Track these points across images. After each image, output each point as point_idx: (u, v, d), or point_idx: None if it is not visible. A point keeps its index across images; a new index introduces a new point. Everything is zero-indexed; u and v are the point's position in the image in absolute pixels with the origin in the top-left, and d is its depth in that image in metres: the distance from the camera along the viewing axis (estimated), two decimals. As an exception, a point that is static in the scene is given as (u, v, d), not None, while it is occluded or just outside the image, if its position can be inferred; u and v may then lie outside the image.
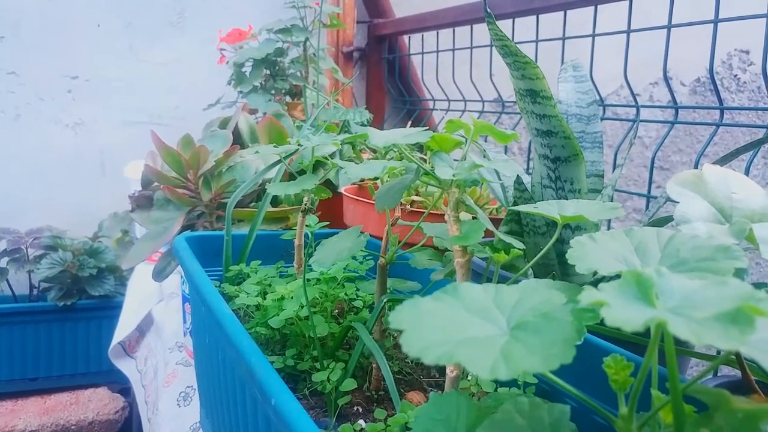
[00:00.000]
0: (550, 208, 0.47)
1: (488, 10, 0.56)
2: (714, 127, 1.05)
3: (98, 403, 1.52)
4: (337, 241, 0.56)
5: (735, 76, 2.82)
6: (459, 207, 0.45)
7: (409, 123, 1.35)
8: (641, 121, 1.17)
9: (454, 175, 0.42)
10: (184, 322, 0.94)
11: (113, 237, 1.66)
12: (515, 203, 0.70)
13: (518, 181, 0.67)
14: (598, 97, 0.81)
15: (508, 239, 0.44)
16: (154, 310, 1.26)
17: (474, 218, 0.57)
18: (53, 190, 1.74)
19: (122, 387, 1.62)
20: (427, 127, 0.50)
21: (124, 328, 1.31)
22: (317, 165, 0.94)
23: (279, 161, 0.73)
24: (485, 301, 0.32)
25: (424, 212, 0.85)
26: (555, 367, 0.25)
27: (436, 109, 1.70)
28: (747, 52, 2.78)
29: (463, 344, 0.27)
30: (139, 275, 1.36)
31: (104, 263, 1.58)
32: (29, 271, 1.58)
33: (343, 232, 0.58)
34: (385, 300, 0.54)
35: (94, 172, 1.76)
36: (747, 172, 0.95)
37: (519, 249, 0.44)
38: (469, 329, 0.29)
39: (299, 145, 0.65)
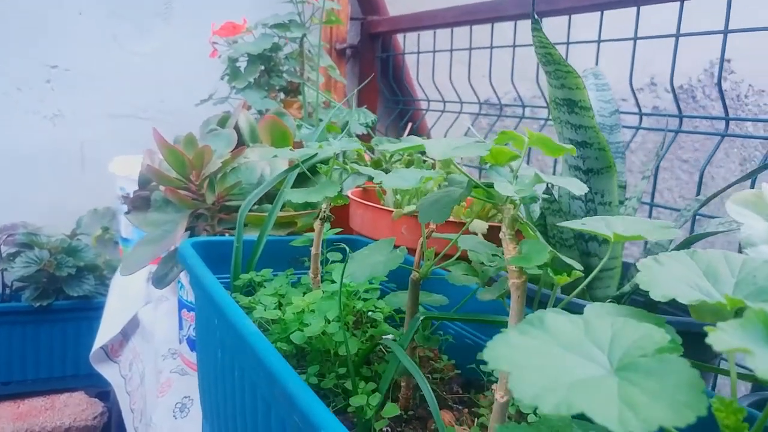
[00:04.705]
0: (599, 225, 0.45)
1: (536, 17, 0.54)
2: (717, 136, 1.05)
3: (75, 408, 1.46)
4: (369, 255, 0.53)
5: (716, 84, 2.86)
6: (515, 224, 0.42)
7: (408, 128, 1.32)
8: (647, 129, 1.16)
9: (517, 192, 0.39)
10: (181, 328, 0.90)
11: (93, 234, 1.60)
12: (542, 214, 0.67)
13: (547, 191, 0.65)
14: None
15: (568, 260, 0.41)
16: (141, 313, 1.21)
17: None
18: (29, 184, 1.66)
19: (100, 391, 1.56)
20: (423, 132, 0.47)
21: (107, 331, 1.26)
22: (315, 168, 0.91)
23: (296, 165, 0.69)
24: (577, 335, 0.29)
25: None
26: (691, 420, 0.22)
27: (431, 110, 1.67)
28: (728, 61, 2.82)
29: (575, 389, 0.24)
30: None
31: (83, 262, 1.52)
32: (2, 270, 1.51)
33: (373, 245, 0.55)
34: (421, 318, 0.51)
35: (74, 166, 1.69)
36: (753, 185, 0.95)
37: (579, 270, 0.42)
38: (573, 370, 0.26)
39: (320, 148, 0.62)
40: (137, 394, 1.10)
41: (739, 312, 0.32)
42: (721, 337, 0.24)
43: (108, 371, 1.27)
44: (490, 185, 0.44)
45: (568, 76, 0.56)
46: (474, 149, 0.41)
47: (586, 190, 0.41)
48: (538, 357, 0.27)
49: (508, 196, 0.42)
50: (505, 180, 0.41)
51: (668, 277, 0.37)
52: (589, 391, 0.25)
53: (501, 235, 0.42)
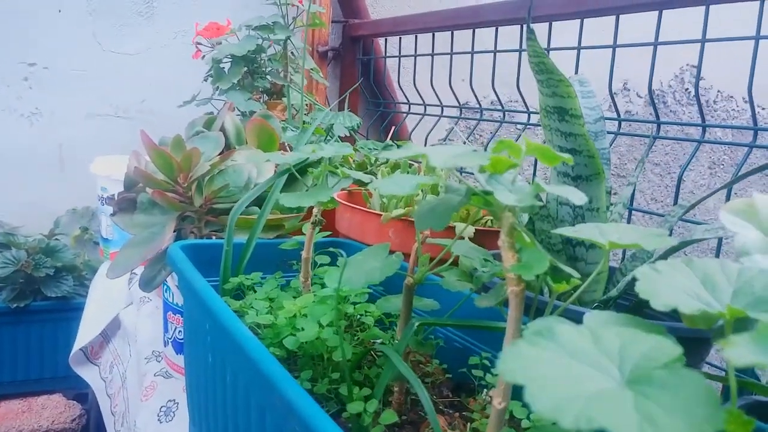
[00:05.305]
0: (593, 233, 0.46)
1: (531, 27, 0.55)
2: (693, 143, 1.08)
3: (53, 410, 1.44)
4: (364, 260, 0.54)
5: (686, 89, 2.92)
6: (513, 232, 0.43)
7: (391, 132, 1.32)
8: (627, 135, 1.18)
9: (518, 201, 0.40)
10: (166, 331, 0.89)
11: (71, 234, 1.57)
12: (531, 219, 0.68)
13: (537, 197, 0.65)
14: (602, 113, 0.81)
15: (567, 268, 0.42)
16: (122, 315, 1.19)
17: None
18: (5, 183, 1.63)
19: (78, 393, 1.54)
20: (404, 134, 0.48)
21: (87, 333, 1.24)
22: (304, 170, 0.91)
23: (288, 169, 0.69)
24: (586, 345, 0.30)
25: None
26: (711, 435, 0.23)
27: (412, 113, 1.68)
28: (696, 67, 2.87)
29: (592, 402, 0.25)
30: (104, 277, 1.29)
31: (61, 262, 1.50)
32: (-23, 271, 1.48)
33: (367, 250, 0.55)
34: (416, 324, 0.52)
35: (52, 165, 1.66)
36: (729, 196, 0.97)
37: (577, 278, 0.43)
38: (586, 382, 0.27)
39: (313, 152, 0.62)
40: (118, 397, 1.09)
41: (738, 321, 0.33)
42: (738, 353, 0.25)
43: (88, 373, 1.25)
44: (488, 193, 0.44)
45: (560, 84, 0.57)
46: (474, 158, 0.42)
47: (586, 200, 0.42)
48: (551, 368, 0.27)
49: (507, 205, 0.42)
50: (505, 189, 0.42)
51: (668, 287, 0.38)
52: (606, 404, 0.25)
53: (500, 242, 0.42)
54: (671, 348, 0.29)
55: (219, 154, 0.84)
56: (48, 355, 1.52)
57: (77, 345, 1.24)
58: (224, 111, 0.99)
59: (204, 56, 1.32)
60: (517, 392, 0.43)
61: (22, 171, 1.64)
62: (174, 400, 0.86)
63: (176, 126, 1.04)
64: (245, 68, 1.28)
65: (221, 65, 1.28)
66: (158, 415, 0.85)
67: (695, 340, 0.53)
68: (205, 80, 1.30)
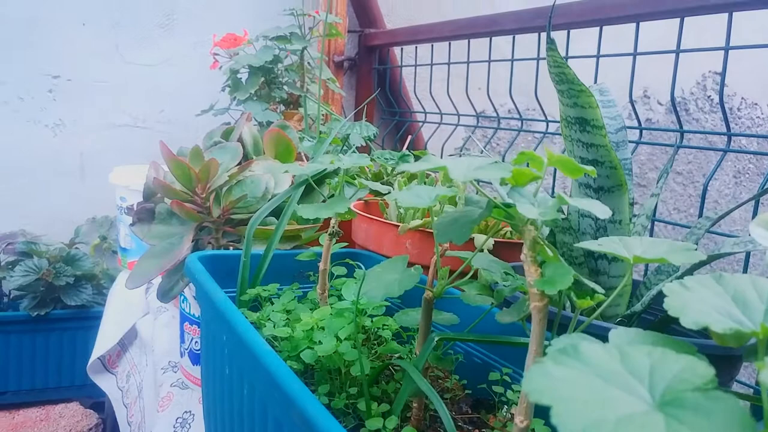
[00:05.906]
0: (617, 247, 0.45)
1: (551, 37, 0.54)
2: (717, 152, 1.05)
3: (70, 419, 1.44)
4: (382, 273, 0.53)
5: (709, 97, 2.88)
6: (536, 246, 0.42)
7: (407, 142, 1.32)
8: (649, 144, 1.17)
9: (541, 214, 0.39)
10: (182, 342, 0.89)
11: (91, 243, 1.59)
12: (552, 232, 0.67)
13: (560, 210, 0.64)
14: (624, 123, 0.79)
15: (590, 283, 0.41)
16: (139, 324, 1.20)
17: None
18: (28, 192, 1.65)
19: (94, 402, 1.55)
20: (420, 144, 0.47)
21: (104, 342, 1.24)
22: (321, 180, 0.90)
23: (305, 180, 0.69)
24: (614, 365, 0.29)
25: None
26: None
27: (428, 122, 1.67)
28: (718, 73, 2.84)
29: (621, 425, 0.24)
30: (122, 286, 1.30)
31: (81, 271, 1.51)
32: (0, 279, 1.49)
33: (385, 263, 0.55)
34: (436, 339, 0.51)
35: (73, 174, 1.68)
36: (756, 207, 0.95)
37: (600, 293, 0.42)
38: (616, 404, 0.26)
39: (332, 163, 0.62)
40: (135, 407, 1.09)
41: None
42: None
43: (105, 383, 1.26)
44: (510, 205, 0.43)
45: (581, 95, 0.56)
46: (496, 170, 0.41)
47: (610, 213, 0.41)
48: (579, 389, 0.27)
49: (529, 218, 0.41)
50: (527, 201, 0.41)
51: (698, 304, 0.36)
52: (636, 428, 0.24)
53: (522, 257, 0.42)
54: (704, 369, 0.28)
55: (237, 165, 0.84)
56: (66, 363, 1.54)
57: (95, 354, 1.24)
58: (242, 121, 0.99)
59: (222, 67, 1.33)
60: (539, 410, 0.42)
61: (45, 181, 1.66)
62: (190, 412, 0.85)
63: (194, 136, 1.05)
64: (262, 78, 1.29)
65: (238, 76, 1.29)
66: (174, 426, 0.85)
67: (725, 358, 0.51)
68: (223, 90, 1.31)
